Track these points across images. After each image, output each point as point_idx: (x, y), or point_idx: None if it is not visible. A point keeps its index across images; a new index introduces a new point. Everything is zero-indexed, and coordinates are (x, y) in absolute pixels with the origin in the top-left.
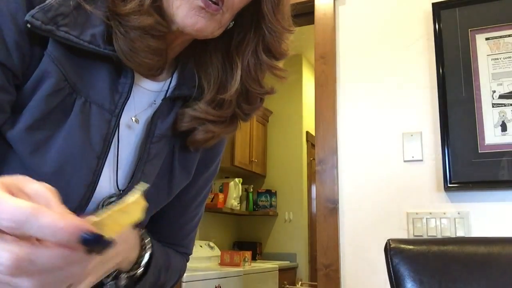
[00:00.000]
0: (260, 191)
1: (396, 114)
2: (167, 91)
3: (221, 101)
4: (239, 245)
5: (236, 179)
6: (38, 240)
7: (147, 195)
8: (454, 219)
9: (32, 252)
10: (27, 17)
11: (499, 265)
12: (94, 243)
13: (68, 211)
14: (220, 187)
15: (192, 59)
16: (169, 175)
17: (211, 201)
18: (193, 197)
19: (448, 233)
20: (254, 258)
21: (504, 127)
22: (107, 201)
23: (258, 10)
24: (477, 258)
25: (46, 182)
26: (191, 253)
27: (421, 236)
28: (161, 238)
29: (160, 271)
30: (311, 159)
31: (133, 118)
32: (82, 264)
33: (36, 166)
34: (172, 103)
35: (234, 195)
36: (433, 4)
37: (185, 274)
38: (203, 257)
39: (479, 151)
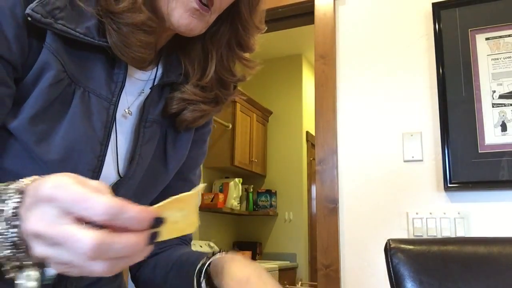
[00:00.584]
0: (260, 191)
1: (396, 114)
2: (154, 79)
3: (203, 85)
4: (239, 245)
5: (236, 179)
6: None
7: (145, 178)
8: (454, 219)
9: (109, 238)
10: (28, 11)
11: (499, 265)
12: (158, 223)
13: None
14: (220, 187)
15: (177, 48)
16: (163, 157)
17: (211, 201)
18: (192, 169)
19: (448, 233)
20: (254, 258)
21: (504, 127)
22: (113, 189)
23: (235, 8)
24: (477, 258)
25: (53, 169)
26: (192, 237)
27: (421, 236)
28: None
29: None
30: (311, 159)
31: (126, 110)
32: (142, 254)
33: (43, 154)
34: (161, 90)
35: (234, 195)
36: (433, 4)
37: None
38: None
39: (479, 151)
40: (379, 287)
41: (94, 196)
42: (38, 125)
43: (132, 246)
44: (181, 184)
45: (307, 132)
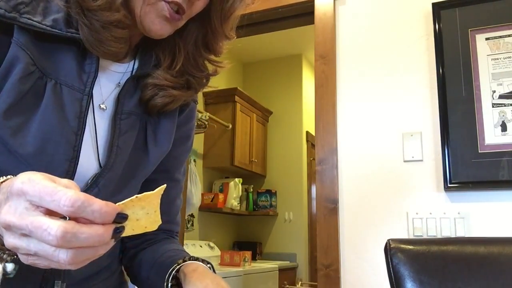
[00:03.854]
0: (260, 191)
1: (396, 114)
2: (131, 72)
3: (173, 73)
4: (239, 245)
5: (236, 179)
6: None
7: (126, 169)
8: (454, 219)
9: (76, 227)
10: None
11: (499, 265)
12: (122, 219)
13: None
14: (220, 187)
15: (151, 41)
16: (145, 148)
17: (211, 201)
18: (178, 167)
19: (448, 233)
20: (254, 258)
21: (504, 127)
22: (93, 180)
23: (207, 13)
24: (477, 258)
25: (31, 161)
26: (178, 230)
27: (421, 236)
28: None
29: None
30: (311, 159)
31: (101, 105)
32: (106, 247)
33: (19, 147)
34: (137, 82)
35: (234, 195)
36: (433, 4)
37: None
38: (203, 257)
39: (479, 151)
40: (379, 287)
41: (61, 189)
42: (12, 118)
43: (97, 236)
44: (168, 184)
45: (307, 132)
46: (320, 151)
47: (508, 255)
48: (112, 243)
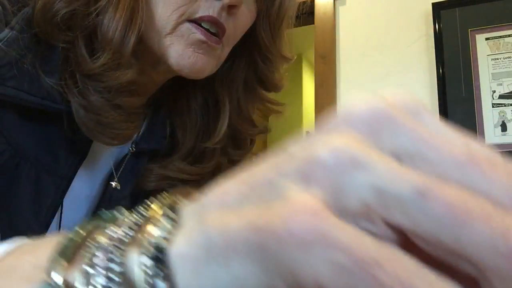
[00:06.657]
0: None
1: None
2: (135, 141)
3: (201, 152)
4: None
5: None
6: None
7: None
8: None
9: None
10: None
11: None
12: None
13: None
14: None
15: (166, 102)
16: None
17: None
18: None
19: None
20: None
21: (504, 127)
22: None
23: (252, 35)
24: None
25: None
26: None
27: None
28: None
29: None
30: None
31: (114, 184)
32: None
33: None
34: (136, 157)
35: None
36: (433, 4)
37: None
38: None
39: None
40: None
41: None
42: None
43: None
44: None
45: (307, 132)
46: None
47: None
48: None
